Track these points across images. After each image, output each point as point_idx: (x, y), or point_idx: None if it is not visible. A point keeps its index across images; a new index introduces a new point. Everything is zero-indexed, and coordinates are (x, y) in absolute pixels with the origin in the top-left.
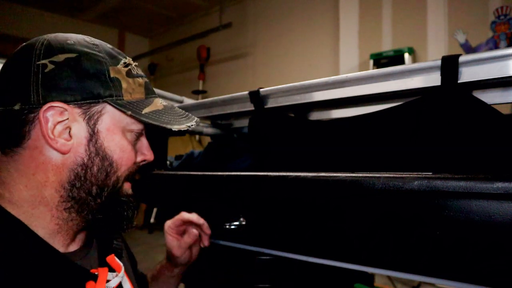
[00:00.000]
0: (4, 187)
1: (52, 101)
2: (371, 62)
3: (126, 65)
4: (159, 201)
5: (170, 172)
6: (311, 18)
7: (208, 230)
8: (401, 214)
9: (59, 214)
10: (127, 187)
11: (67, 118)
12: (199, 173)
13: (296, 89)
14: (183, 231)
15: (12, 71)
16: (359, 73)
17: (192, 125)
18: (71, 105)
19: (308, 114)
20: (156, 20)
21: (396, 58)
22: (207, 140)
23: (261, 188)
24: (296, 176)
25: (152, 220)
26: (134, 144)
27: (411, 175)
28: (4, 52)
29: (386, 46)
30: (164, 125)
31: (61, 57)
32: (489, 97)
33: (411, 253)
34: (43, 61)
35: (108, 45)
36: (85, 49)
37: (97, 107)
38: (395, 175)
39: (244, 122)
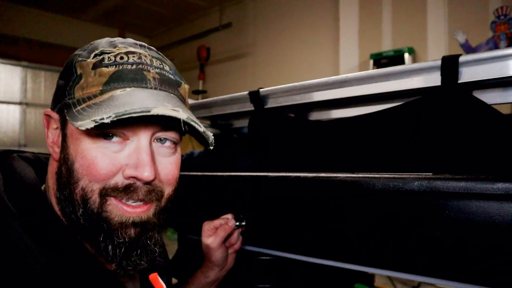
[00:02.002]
0: None
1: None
2: (371, 62)
3: (100, 54)
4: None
5: None
6: (311, 18)
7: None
8: (401, 215)
9: (70, 228)
10: (117, 210)
11: (57, 127)
12: (199, 173)
13: (296, 89)
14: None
15: None
16: (359, 73)
17: (103, 118)
18: (54, 112)
19: (308, 114)
20: (156, 20)
21: (396, 58)
22: None
23: (261, 188)
24: (297, 177)
25: None
26: (114, 151)
27: (411, 176)
28: (4, 53)
29: (386, 46)
30: (72, 122)
31: (64, 67)
32: (489, 97)
33: (411, 253)
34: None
35: (115, 38)
36: (77, 52)
37: (65, 111)
38: (395, 176)
39: (244, 122)
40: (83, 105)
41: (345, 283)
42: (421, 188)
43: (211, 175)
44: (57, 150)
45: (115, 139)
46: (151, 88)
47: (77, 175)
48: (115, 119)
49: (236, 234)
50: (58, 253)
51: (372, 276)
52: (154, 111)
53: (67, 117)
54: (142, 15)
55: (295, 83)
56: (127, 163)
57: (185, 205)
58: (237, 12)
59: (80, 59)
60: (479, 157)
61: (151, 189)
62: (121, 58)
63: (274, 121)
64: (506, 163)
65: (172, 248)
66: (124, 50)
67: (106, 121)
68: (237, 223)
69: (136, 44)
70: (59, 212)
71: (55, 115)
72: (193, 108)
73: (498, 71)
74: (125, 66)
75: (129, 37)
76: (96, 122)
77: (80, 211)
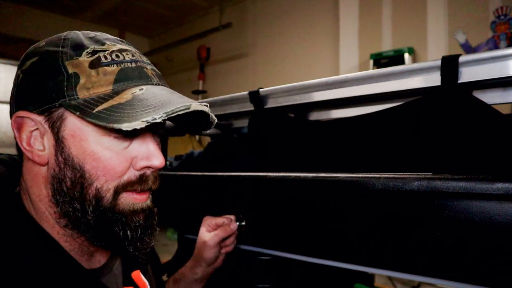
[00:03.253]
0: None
1: (18, 111)
2: (371, 62)
3: (94, 52)
4: (158, 201)
5: (170, 172)
6: (311, 18)
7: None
8: (401, 215)
9: (62, 231)
10: (129, 200)
11: (36, 128)
12: (199, 173)
13: (296, 89)
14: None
15: None
16: (359, 73)
17: (154, 119)
18: (34, 113)
19: (308, 114)
20: (156, 20)
21: (396, 58)
22: (207, 140)
23: (261, 188)
24: (296, 177)
25: None
26: (124, 148)
27: (411, 176)
28: (4, 53)
29: (386, 46)
30: (110, 125)
31: (27, 64)
32: (489, 97)
33: (411, 253)
34: (18, 71)
35: (91, 33)
36: (49, 48)
37: (58, 112)
38: (395, 176)
39: (244, 122)
40: (104, 106)
41: (345, 283)
42: (421, 188)
43: (211, 175)
44: (41, 153)
45: (127, 138)
46: (156, 84)
47: (91, 177)
48: (166, 118)
49: (233, 237)
50: (33, 255)
51: (372, 276)
52: (192, 107)
53: (88, 119)
54: (142, 15)
55: (295, 83)
56: (136, 156)
57: (185, 205)
58: (237, 12)
59: (69, 57)
60: (479, 157)
61: (156, 176)
62: (117, 56)
63: (274, 121)
64: (506, 163)
65: (172, 248)
66: (116, 48)
67: (158, 120)
68: (237, 223)
69: (117, 39)
70: (49, 214)
71: (36, 117)
72: None
73: (498, 71)
74: (126, 65)
75: (129, 37)
76: (148, 122)
77: (91, 209)
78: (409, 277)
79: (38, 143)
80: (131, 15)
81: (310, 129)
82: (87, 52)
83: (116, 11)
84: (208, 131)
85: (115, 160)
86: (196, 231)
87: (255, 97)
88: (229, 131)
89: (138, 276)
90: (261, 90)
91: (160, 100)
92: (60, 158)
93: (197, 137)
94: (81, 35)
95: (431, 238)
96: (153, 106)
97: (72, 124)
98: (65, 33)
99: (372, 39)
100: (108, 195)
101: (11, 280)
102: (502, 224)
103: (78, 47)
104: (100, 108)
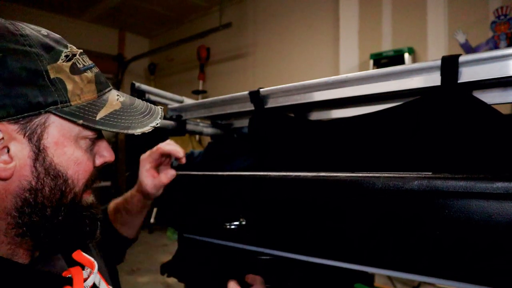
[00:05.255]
0: None
1: None
2: (371, 62)
3: (69, 58)
4: (158, 201)
5: None
6: (311, 18)
7: (184, 160)
8: (401, 214)
9: (10, 240)
10: (86, 196)
11: (2, 138)
12: (199, 173)
13: (296, 89)
14: (159, 163)
15: None
16: (359, 73)
17: (157, 124)
18: (3, 122)
19: (308, 114)
20: (156, 20)
21: (396, 58)
22: (207, 140)
23: (261, 188)
24: (296, 176)
25: (152, 220)
26: (90, 149)
27: (411, 175)
28: None
29: (386, 46)
30: (124, 131)
31: None
32: (489, 97)
33: (411, 253)
34: None
35: (42, 31)
36: (11, 45)
37: (38, 119)
38: (395, 175)
39: (244, 122)
40: (103, 113)
41: (345, 283)
42: (421, 188)
43: (211, 175)
44: (7, 166)
45: (94, 139)
46: (112, 87)
47: (73, 182)
48: (159, 123)
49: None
50: None
51: (372, 276)
52: (162, 114)
53: (96, 126)
54: (142, 15)
55: (295, 83)
56: (95, 155)
57: (185, 205)
58: (237, 12)
59: (48, 61)
60: (479, 157)
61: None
62: (84, 60)
63: (274, 121)
64: (506, 163)
65: (172, 248)
66: (77, 51)
67: (158, 125)
68: (237, 223)
69: (57, 35)
70: (5, 226)
71: (8, 126)
72: (193, 108)
73: (498, 71)
74: (93, 70)
75: (129, 37)
76: (153, 127)
77: (63, 213)
78: (409, 277)
79: (4, 155)
80: (131, 15)
81: (310, 129)
82: (65, 55)
83: (116, 11)
84: (208, 131)
85: (90, 161)
86: (196, 231)
87: (256, 97)
88: (229, 131)
89: (79, 255)
90: (261, 90)
91: (142, 107)
92: (39, 168)
93: (197, 137)
94: (36, 33)
95: (431, 238)
96: (142, 112)
97: (57, 131)
98: (10, 24)
99: (372, 39)
100: (80, 195)
101: None
102: (502, 223)
103: (49, 49)
104: (101, 115)
